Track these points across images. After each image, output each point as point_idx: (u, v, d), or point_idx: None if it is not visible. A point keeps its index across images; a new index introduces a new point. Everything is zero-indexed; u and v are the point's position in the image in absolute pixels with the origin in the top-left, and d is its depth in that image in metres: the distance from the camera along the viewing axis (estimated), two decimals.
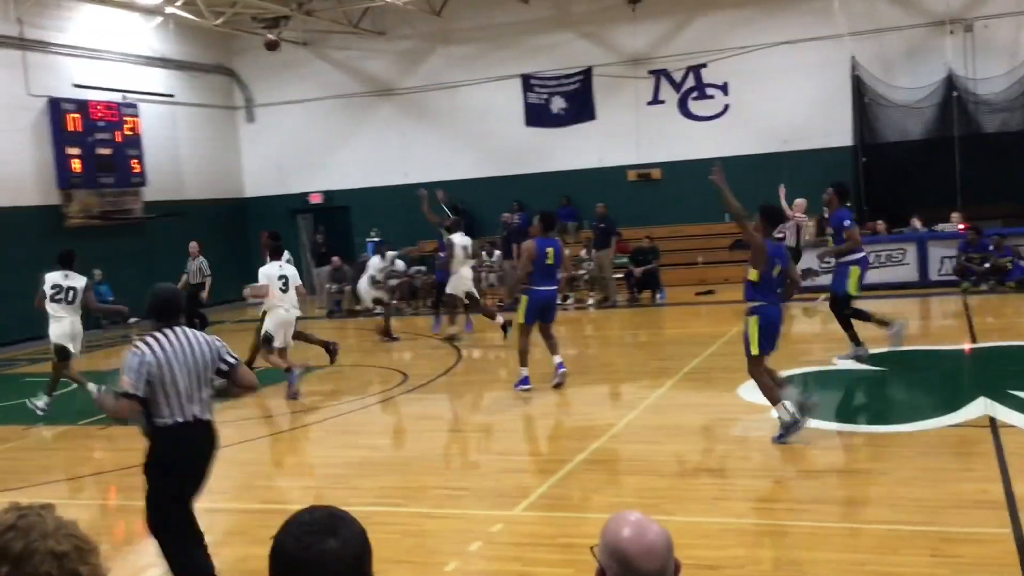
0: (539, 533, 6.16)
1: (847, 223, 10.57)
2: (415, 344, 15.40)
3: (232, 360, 5.24)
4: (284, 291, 11.21)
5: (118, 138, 20.16)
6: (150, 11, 20.10)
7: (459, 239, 14.67)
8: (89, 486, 8.48)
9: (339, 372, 13.64)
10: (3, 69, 17.98)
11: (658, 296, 18.34)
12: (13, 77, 18.18)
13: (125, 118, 20.38)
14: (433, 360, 13.62)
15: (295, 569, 1.87)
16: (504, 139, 22.22)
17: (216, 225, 23.01)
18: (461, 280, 14.56)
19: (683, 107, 21.14)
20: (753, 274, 7.83)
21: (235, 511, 7.27)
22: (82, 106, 19.39)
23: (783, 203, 16.52)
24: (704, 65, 20.74)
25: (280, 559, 1.90)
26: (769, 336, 7.85)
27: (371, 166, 23.17)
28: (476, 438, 9.24)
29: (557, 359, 10.65)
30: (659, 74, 21.17)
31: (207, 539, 6.62)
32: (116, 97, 20.36)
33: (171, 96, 22.12)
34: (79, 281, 11.05)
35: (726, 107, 20.82)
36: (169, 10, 19.59)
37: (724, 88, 20.77)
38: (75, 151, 19.20)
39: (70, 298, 10.95)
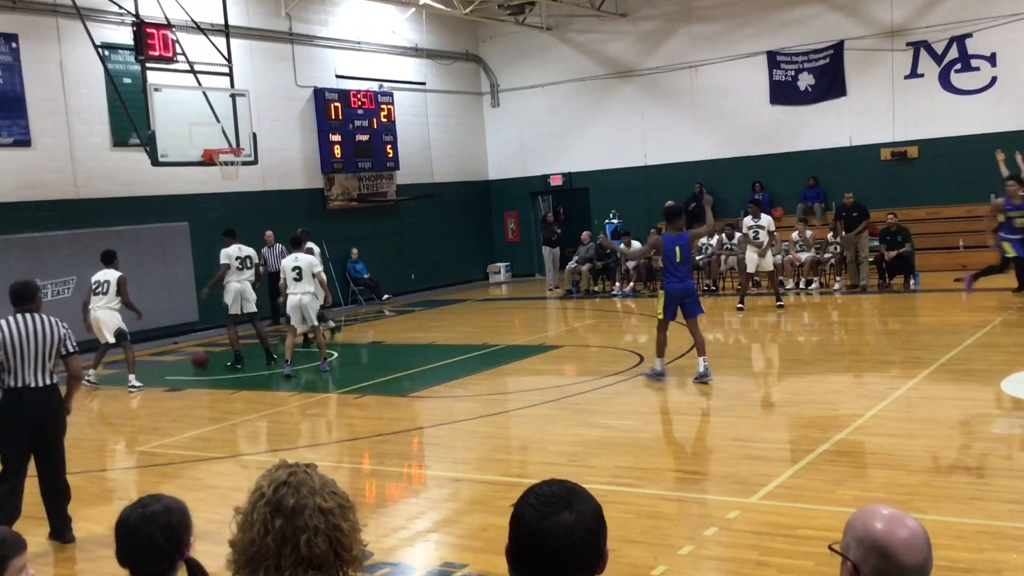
0: (778, 523, 6.01)
1: None
2: (652, 326, 15.34)
3: (71, 348, 6.52)
4: (298, 280, 12.68)
5: (374, 125, 21.38)
6: (404, 3, 21.11)
7: None
8: (345, 449, 9.11)
9: (577, 353, 13.86)
10: (276, 62, 19.47)
11: (912, 282, 17.31)
12: (284, 70, 19.66)
13: (381, 106, 21.57)
14: (671, 343, 13.52)
15: (532, 539, 1.92)
16: (747, 118, 21.64)
17: (461, 206, 23.97)
18: None
19: (944, 80, 19.75)
20: (658, 261, 10.40)
21: (477, 482, 7.59)
22: (343, 95, 20.69)
23: (1021, 165, 15.38)
24: (969, 35, 19.27)
25: (518, 528, 1.95)
26: (671, 307, 10.32)
27: (610, 148, 23.24)
28: (712, 422, 9.13)
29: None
30: (918, 46, 19.88)
31: (451, 506, 6.99)
32: (373, 86, 21.58)
33: (423, 84, 23.17)
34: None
35: (993, 79, 19.26)
36: (422, 1, 20.49)
37: (992, 59, 19.22)
38: (336, 138, 20.54)
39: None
